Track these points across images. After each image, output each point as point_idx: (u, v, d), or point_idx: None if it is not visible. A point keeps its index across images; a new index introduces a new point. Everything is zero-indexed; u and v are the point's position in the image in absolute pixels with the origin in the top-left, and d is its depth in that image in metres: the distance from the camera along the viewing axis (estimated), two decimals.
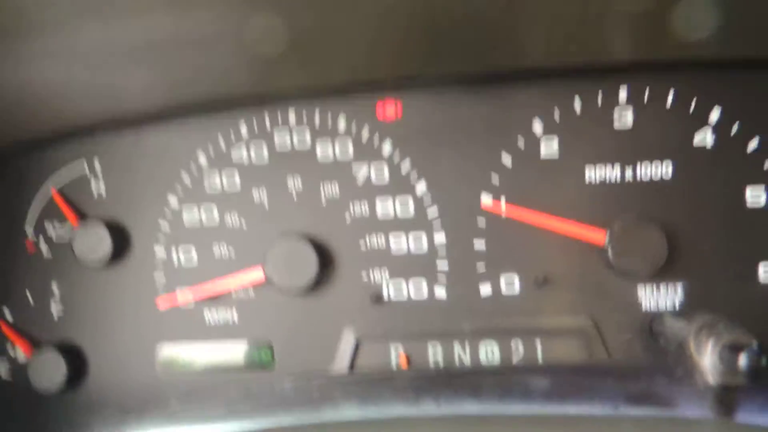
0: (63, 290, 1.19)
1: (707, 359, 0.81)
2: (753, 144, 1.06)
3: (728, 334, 0.81)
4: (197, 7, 0.88)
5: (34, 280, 1.20)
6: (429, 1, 0.84)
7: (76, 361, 1.17)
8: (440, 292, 1.12)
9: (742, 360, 0.76)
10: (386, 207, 1.13)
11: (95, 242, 1.15)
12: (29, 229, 1.19)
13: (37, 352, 1.15)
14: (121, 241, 1.17)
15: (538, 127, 1.11)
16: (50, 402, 1.17)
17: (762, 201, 1.06)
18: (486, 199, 1.11)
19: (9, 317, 1.19)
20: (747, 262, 1.07)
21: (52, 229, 1.20)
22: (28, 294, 1.20)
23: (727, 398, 0.79)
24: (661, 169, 1.09)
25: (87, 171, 1.19)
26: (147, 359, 1.17)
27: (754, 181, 1.07)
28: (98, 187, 1.19)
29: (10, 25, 0.86)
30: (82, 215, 1.18)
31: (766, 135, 1.07)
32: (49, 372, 1.14)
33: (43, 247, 1.19)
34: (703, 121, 1.08)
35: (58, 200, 1.17)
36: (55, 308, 1.19)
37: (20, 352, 1.17)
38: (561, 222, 1.07)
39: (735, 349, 0.78)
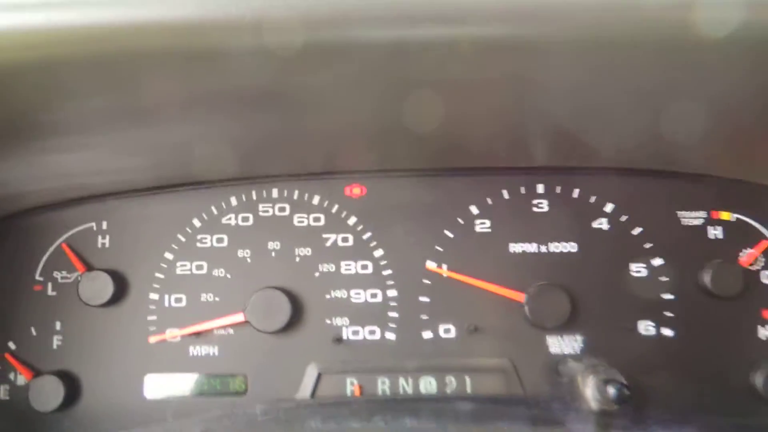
0: (64, 325, 1.32)
1: (589, 391, 1.06)
2: (636, 230, 1.31)
3: (604, 373, 1.06)
4: (196, 120, 1.06)
5: (38, 316, 1.33)
6: (389, 119, 1.07)
7: (72, 386, 1.28)
8: (390, 336, 1.30)
9: (612, 392, 1.00)
10: (349, 267, 1.32)
11: (99, 288, 1.30)
12: (38, 275, 1.33)
13: (37, 378, 1.27)
14: (121, 287, 1.31)
15: (474, 209, 1.33)
16: (45, 421, 1.28)
17: (642, 273, 1.29)
18: (431, 264, 1.31)
19: (12, 347, 1.31)
20: (630, 319, 1.28)
21: (59, 274, 1.34)
22: (32, 328, 1.32)
23: (603, 420, 1.04)
24: (567, 246, 1.31)
25: (95, 227, 1.35)
26: (136, 385, 1.30)
27: (636, 258, 1.30)
28: (103, 241, 1.35)
29: (41, 125, 1.01)
30: (87, 264, 1.33)
31: (646, 224, 1.31)
32: (47, 395, 1.27)
33: (49, 287, 1.33)
34: (599, 212, 1.32)
35: (68, 252, 1.33)
36: (56, 340, 1.31)
37: (20, 376, 1.30)
38: (489, 284, 1.30)
39: (607, 383, 1.02)
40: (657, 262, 1.30)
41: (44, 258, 1.34)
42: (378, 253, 1.33)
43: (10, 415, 1.29)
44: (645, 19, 0.78)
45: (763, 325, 1.27)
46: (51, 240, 1.35)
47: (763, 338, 1.26)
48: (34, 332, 1.32)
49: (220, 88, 0.94)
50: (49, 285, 1.33)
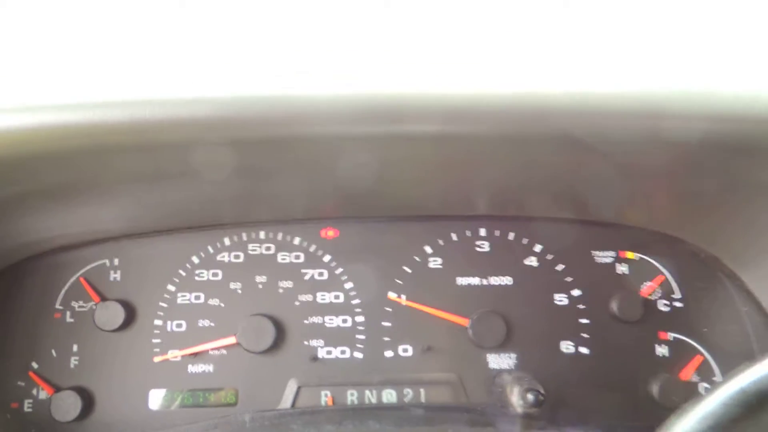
0: (80, 347, 1.50)
1: (514, 398, 1.30)
2: (560, 266, 1.52)
3: (527, 383, 1.31)
4: (192, 185, 1.27)
5: (57, 339, 1.50)
6: (352, 183, 1.29)
7: (87, 400, 1.47)
8: (358, 355, 1.49)
9: (530, 398, 1.24)
10: (324, 297, 1.52)
11: (112, 315, 1.49)
12: (58, 304, 1.52)
13: (58, 393, 1.46)
14: (130, 315, 1.51)
15: (428, 249, 1.53)
16: (65, 430, 1.46)
17: (564, 301, 1.51)
18: (392, 294, 1.52)
19: (35, 366, 1.49)
20: (553, 340, 1.49)
21: (76, 304, 1.52)
22: (53, 350, 1.50)
23: (525, 421, 1.29)
24: (504, 280, 1.52)
25: (108, 264, 1.55)
26: (142, 398, 1.48)
27: (559, 289, 1.51)
28: (115, 275, 1.54)
29: (65, 189, 1.20)
30: (101, 294, 1.52)
31: (567, 261, 1.52)
32: (67, 407, 1.45)
33: (67, 315, 1.52)
34: (530, 251, 1.53)
35: (85, 285, 1.53)
36: (73, 360, 1.50)
37: (42, 392, 1.48)
38: (439, 311, 1.51)
39: (528, 391, 1.25)
40: (576, 292, 1.51)
41: (64, 290, 1.53)
42: (348, 285, 1.54)
43: (34, 425, 1.47)
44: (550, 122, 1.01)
45: (659, 344, 1.50)
46: (70, 274, 1.53)
47: (660, 355, 1.49)
48: (54, 353, 1.50)
49: (208, 168, 1.14)
50: (68, 313, 1.52)
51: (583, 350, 1.51)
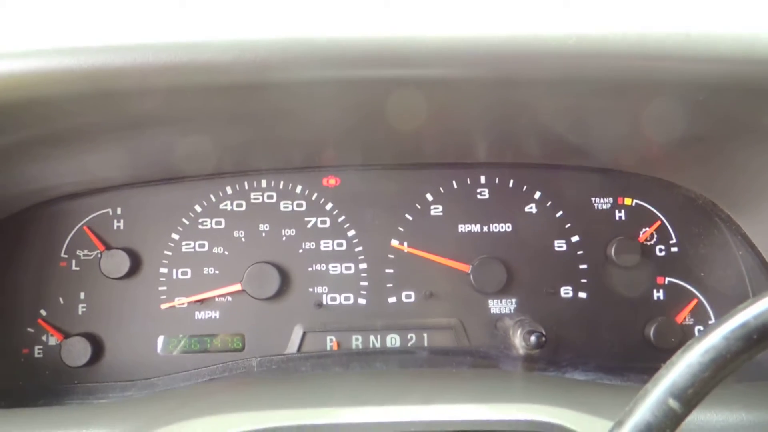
0: (87, 295, 1.53)
1: (517, 340, 1.35)
2: (559, 213, 1.55)
3: (528, 326, 1.35)
4: (197, 131, 1.27)
5: (64, 287, 1.53)
6: (358, 129, 1.30)
7: (97, 345, 1.50)
8: (362, 301, 1.53)
9: (532, 339, 1.29)
10: (327, 245, 1.55)
11: (117, 263, 1.51)
12: (63, 253, 1.54)
13: (67, 339, 1.48)
14: (136, 263, 1.53)
15: (429, 197, 1.55)
16: (75, 374, 1.50)
17: (563, 247, 1.54)
18: (394, 242, 1.54)
19: (44, 313, 1.52)
20: (553, 285, 1.52)
21: (81, 252, 1.54)
22: (60, 297, 1.52)
23: (527, 362, 1.34)
24: (504, 227, 1.55)
25: (111, 213, 1.55)
26: (150, 344, 1.52)
27: (559, 236, 1.54)
28: (118, 224, 1.55)
29: (67, 136, 1.21)
30: (105, 243, 1.54)
31: (566, 208, 1.54)
32: (77, 353, 1.48)
33: (73, 263, 1.54)
34: (530, 198, 1.55)
35: (89, 234, 1.54)
36: (80, 308, 1.52)
37: (52, 338, 1.51)
38: (441, 258, 1.54)
39: (530, 333, 1.29)
40: (575, 238, 1.55)
41: (68, 239, 1.55)
42: (351, 233, 1.56)
43: (45, 369, 1.51)
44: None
45: (656, 288, 1.54)
46: (73, 224, 1.55)
47: (656, 299, 1.54)
48: (61, 301, 1.53)
49: (213, 112, 1.14)
50: (73, 261, 1.54)
51: (582, 295, 1.55)
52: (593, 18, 0.95)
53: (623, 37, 0.96)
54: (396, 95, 1.08)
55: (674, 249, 1.57)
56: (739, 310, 0.74)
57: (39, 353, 1.52)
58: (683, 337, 1.50)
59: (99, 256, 1.53)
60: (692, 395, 0.71)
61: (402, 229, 1.57)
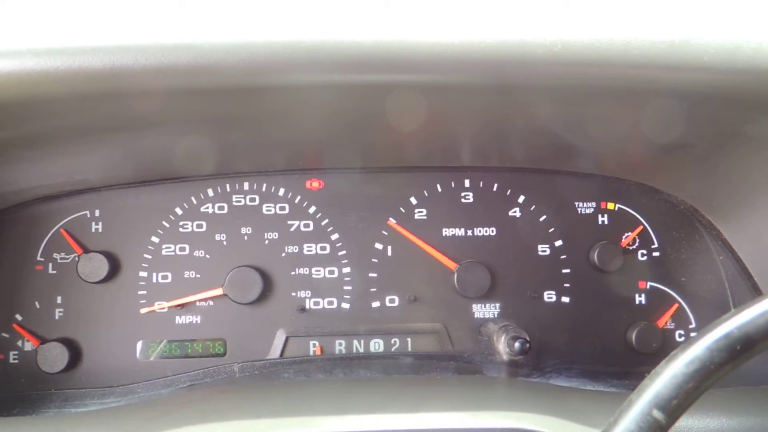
0: (64, 299, 1.49)
1: (501, 346, 1.35)
2: (543, 217, 1.55)
3: (513, 332, 1.35)
4: (178, 133, 1.26)
5: (40, 291, 1.50)
6: (342, 132, 1.30)
7: (74, 351, 1.47)
8: (345, 305, 1.52)
9: (516, 346, 1.29)
10: (310, 248, 1.53)
11: (96, 267, 1.48)
12: (39, 256, 1.50)
13: (44, 344, 1.45)
14: (115, 266, 1.50)
15: (413, 200, 1.54)
16: (52, 380, 1.47)
17: (547, 252, 1.54)
18: (378, 245, 1.53)
19: (19, 318, 1.49)
20: (537, 290, 1.53)
21: (58, 255, 1.51)
22: (36, 302, 1.49)
23: (512, 368, 1.34)
24: (488, 230, 1.55)
25: (88, 215, 1.52)
26: (129, 349, 1.49)
27: (542, 240, 1.54)
28: (96, 227, 1.52)
29: (44, 137, 1.18)
30: (83, 246, 1.51)
31: (549, 212, 1.54)
32: (54, 358, 1.45)
33: (49, 267, 1.51)
34: (514, 203, 1.55)
35: (66, 237, 1.51)
36: (57, 312, 1.49)
37: (27, 343, 1.48)
38: (431, 248, 1.51)
39: (514, 339, 1.29)
40: (558, 243, 1.55)
41: (44, 242, 1.51)
42: (334, 236, 1.55)
43: (20, 376, 1.47)
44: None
45: (638, 293, 1.55)
46: (50, 226, 1.51)
47: (638, 303, 1.55)
48: (37, 305, 1.49)
49: (197, 114, 1.13)
50: (50, 265, 1.51)
51: (565, 299, 1.56)
52: (581, 26, 0.95)
53: (609, 45, 0.96)
54: (384, 99, 1.07)
55: (656, 254, 1.58)
56: (722, 321, 0.74)
57: (14, 359, 1.49)
58: (664, 342, 1.52)
59: (76, 259, 1.50)
60: (676, 406, 0.71)
61: (386, 233, 1.55)
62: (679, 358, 0.73)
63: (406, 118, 1.20)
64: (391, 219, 1.54)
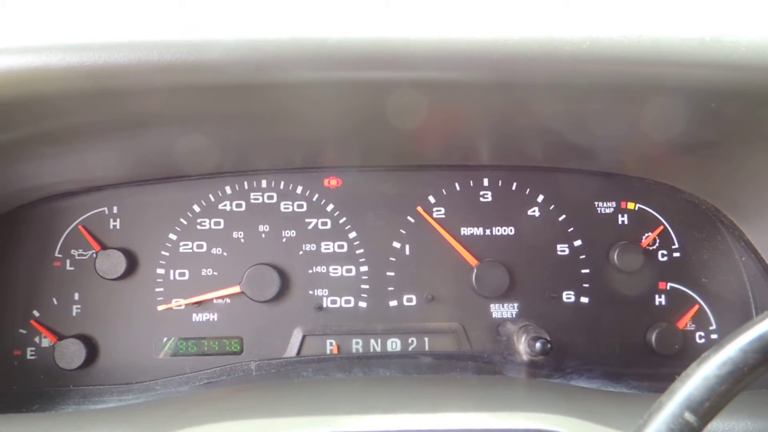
0: (82, 295, 1.50)
1: (521, 346, 1.35)
2: (562, 217, 1.53)
3: (533, 332, 1.35)
4: (196, 131, 1.25)
5: (58, 288, 1.50)
6: (361, 129, 1.30)
7: (91, 347, 1.47)
8: (362, 304, 1.51)
9: (538, 346, 1.29)
10: (328, 247, 1.52)
11: (113, 264, 1.48)
12: (57, 252, 1.51)
13: (61, 340, 1.45)
14: (132, 263, 1.50)
15: (432, 199, 1.53)
16: (69, 376, 1.47)
17: (566, 251, 1.53)
18: (396, 244, 1.53)
19: (37, 314, 1.49)
20: (555, 290, 1.51)
21: (76, 252, 1.51)
22: (53, 298, 1.50)
23: (532, 368, 1.33)
24: (507, 230, 1.54)
25: (107, 211, 1.52)
26: (147, 346, 1.49)
27: (561, 240, 1.53)
28: (114, 224, 1.52)
29: (64, 134, 1.19)
30: (101, 243, 1.51)
31: (569, 212, 1.53)
32: (71, 355, 1.45)
33: (67, 263, 1.51)
34: (533, 202, 1.54)
35: (85, 233, 1.51)
36: (75, 309, 1.50)
37: (45, 339, 1.48)
38: (455, 241, 1.50)
39: (535, 340, 1.29)
40: (577, 242, 1.53)
41: (62, 238, 1.51)
42: (352, 234, 1.54)
43: (38, 372, 1.48)
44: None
45: (658, 294, 1.53)
46: (68, 222, 1.51)
47: (658, 304, 1.53)
48: (55, 302, 1.50)
49: (207, 111, 1.13)
50: (68, 261, 1.51)
51: (584, 300, 1.54)
52: (609, 22, 0.94)
53: (638, 42, 0.94)
54: (398, 97, 1.06)
55: (676, 254, 1.56)
56: (756, 322, 0.72)
57: (32, 355, 1.50)
58: (685, 344, 1.50)
59: (94, 256, 1.50)
60: (708, 408, 0.70)
61: (404, 232, 1.55)
62: (711, 360, 0.72)
63: (420, 116, 1.19)
64: (419, 206, 1.53)
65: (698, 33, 0.94)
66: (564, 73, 0.97)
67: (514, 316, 1.53)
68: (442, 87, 1.03)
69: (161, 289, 1.52)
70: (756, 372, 0.71)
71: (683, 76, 0.97)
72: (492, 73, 0.99)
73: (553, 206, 1.56)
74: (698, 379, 0.71)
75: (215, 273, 1.53)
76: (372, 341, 1.52)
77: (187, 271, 1.53)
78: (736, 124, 1.13)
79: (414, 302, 1.53)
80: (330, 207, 1.55)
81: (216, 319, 1.52)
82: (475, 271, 1.51)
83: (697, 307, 1.55)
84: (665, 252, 1.57)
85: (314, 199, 1.55)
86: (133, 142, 1.32)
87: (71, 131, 1.20)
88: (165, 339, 1.52)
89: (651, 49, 0.93)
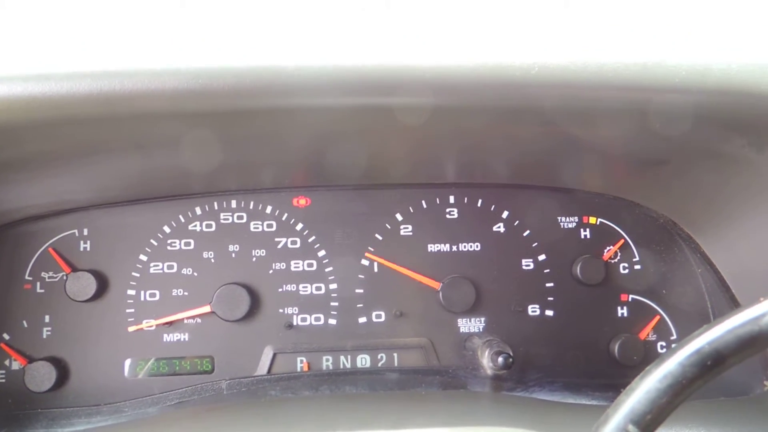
0: (52, 318, 1.50)
1: (485, 360, 1.38)
2: (526, 232, 1.57)
3: (496, 346, 1.38)
4: (166, 154, 1.27)
5: (28, 310, 1.50)
6: (327, 151, 1.32)
7: (62, 370, 1.47)
8: (332, 321, 1.53)
9: (500, 361, 1.32)
10: (297, 265, 1.54)
11: (83, 286, 1.49)
12: (27, 275, 1.51)
13: (31, 363, 1.45)
14: (102, 285, 1.50)
15: (399, 216, 1.56)
16: (40, 399, 1.46)
17: (530, 266, 1.56)
18: (365, 262, 1.55)
19: (6, 337, 1.49)
20: (521, 303, 1.54)
21: (46, 274, 1.51)
22: (23, 321, 1.49)
23: (495, 382, 1.36)
24: (473, 246, 1.56)
25: (77, 234, 1.53)
26: (117, 368, 1.49)
27: (526, 255, 1.56)
28: (85, 246, 1.53)
29: (33, 160, 1.20)
30: (71, 265, 1.51)
31: (533, 227, 1.56)
32: (41, 378, 1.45)
33: (38, 285, 1.51)
34: (498, 218, 1.57)
35: (55, 256, 1.51)
36: (45, 331, 1.49)
37: (15, 362, 1.48)
38: (412, 272, 1.53)
39: (497, 354, 1.32)
40: (541, 257, 1.57)
41: (32, 261, 1.52)
42: (321, 253, 1.56)
43: (7, 396, 1.47)
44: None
45: (620, 306, 1.57)
46: (38, 245, 1.52)
47: (620, 316, 1.57)
48: (25, 324, 1.49)
49: (185, 136, 1.15)
50: (38, 284, 1.51)
51: (549, 312, 1.57)
52: (557, 49, 0.98)
53: (584, 67, 0.99)
54: (367, 120, 1.11)
55: (637, 267, 1.60)
56: (693, 337, 0.76)
57: (1, 378, 1.49)
58: (647, 354, 1.54)
59: (64, 278, 1.51)
60: (650, 421, 0.73)
61: (372, 249, 1.57)
62: (653, 374, 0.75)
63: (389, 138, 1.23)
64: (369, 248, 1.56)
65: (641, 58, 0.98)
66: (514, 98, 1.01)
67: (481, 330, 1.55)
68: (407, 112, 1.07)
69: (132, 310, 1.53)
70: (694, 385, 0.75)
71: (628, 99, 1.01)
72: (447, 98, 1.04)
73: (517, 222, 1.59)
74: (641, 392, 0.74)
75: (186, 293, 1.54)
76: (342, 358, 1.53)
77: (157, 292, 1.54)
78: (683, 143, 1.18)
79: (383, 318, 1.55)
80: (299, 226, 1.58)
81: (187, 339, 1.53)
82: (441, 288, 1.54)
83: (658, 317, 1.59)
84: (626, 265, 1.61)
85: (283, 218, 1.57)
86: (102, 166, 1.34)
87: (39, 157, 1.21)
88: (142, 360, 1.52)
89: (596, 75, 0.97)
